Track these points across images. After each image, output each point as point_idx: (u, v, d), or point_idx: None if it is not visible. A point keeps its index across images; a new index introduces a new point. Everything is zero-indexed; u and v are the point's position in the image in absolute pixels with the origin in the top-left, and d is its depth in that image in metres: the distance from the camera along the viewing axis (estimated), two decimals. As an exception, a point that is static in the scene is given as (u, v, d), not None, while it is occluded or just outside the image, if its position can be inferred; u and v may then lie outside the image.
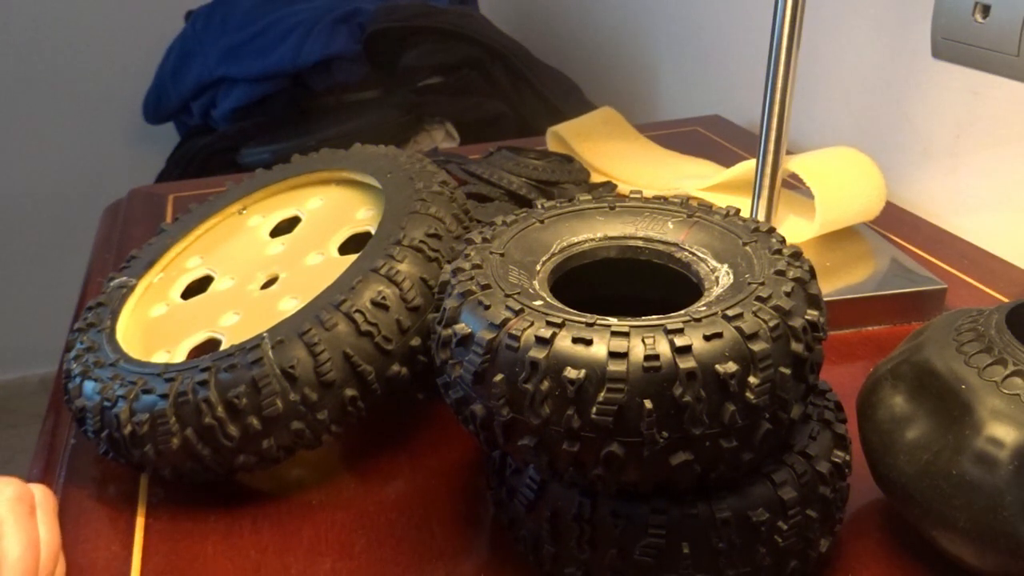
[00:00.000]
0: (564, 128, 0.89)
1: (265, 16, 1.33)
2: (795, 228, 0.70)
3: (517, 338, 0.35)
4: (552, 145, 0.90)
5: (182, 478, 0.48)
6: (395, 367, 0.47)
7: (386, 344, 0.47)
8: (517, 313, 0.36)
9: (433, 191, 0.54)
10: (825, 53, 0.92)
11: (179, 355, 0.52)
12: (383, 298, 0.47)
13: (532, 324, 0.35)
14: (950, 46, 0.74)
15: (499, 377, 0.35)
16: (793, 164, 0.68)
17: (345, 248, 0.56)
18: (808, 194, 0.69)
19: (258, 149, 1.26)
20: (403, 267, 0.48)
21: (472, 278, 0.39)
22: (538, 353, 0.34)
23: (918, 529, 0.41)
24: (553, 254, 0.43)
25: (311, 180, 0.63)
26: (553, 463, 0.36)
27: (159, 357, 0.52)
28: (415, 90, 1.30)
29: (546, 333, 0.35)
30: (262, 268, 0.56)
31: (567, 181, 0.75)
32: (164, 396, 0.45)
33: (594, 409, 0.34)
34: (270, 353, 0.45)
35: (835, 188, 0.68)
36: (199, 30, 1.43)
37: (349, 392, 0.46)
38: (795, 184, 0.72)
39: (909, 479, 0.39)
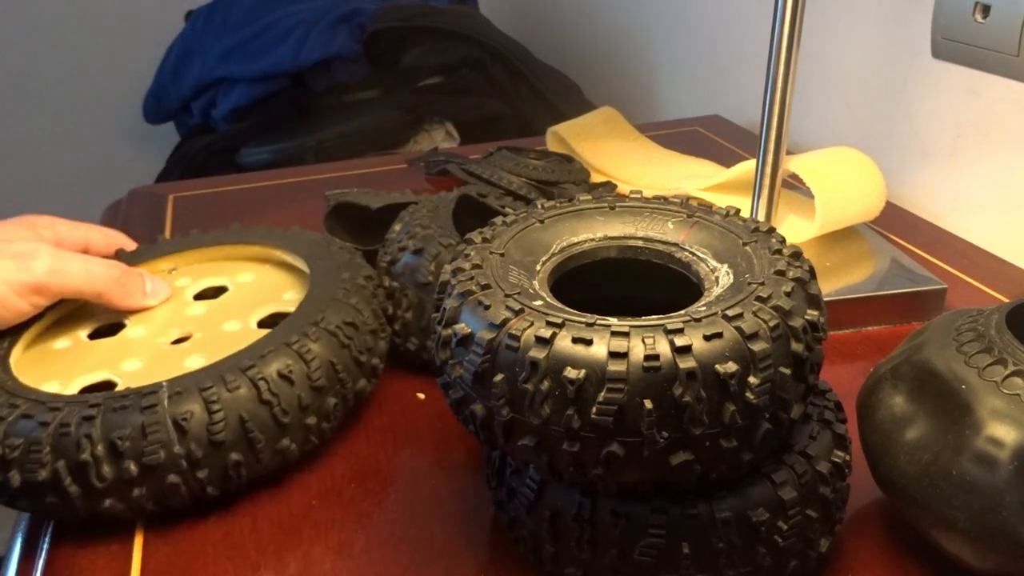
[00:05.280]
0: (564, 128, 0.89)
1: (265, 16, 1.33)
2: (795, 228, 0.70)
3: (517, 338, 0.35)
4: (552, 145, 0.90)
5: (35, 513, 0.47)
6: (285, 441, 0.48)
7: (283, 416, 0.47)
8: (517, 313, 0.36)
9: (358, 283, 0.55)
10: (825, 53, 0.92)
11: (71, 390, 0.51)
12: (290, 371, 0.47)
13: (532, 324, 0.35)
14: (950, 46, 0.74)
15: (499, 377, 0.35)
16: (793, 164, 0.68)
17: (264, 323, 0.56)
18: (808, 194, 0.69)
19: (258, 149, 1.26)
20: (315, 347, 0.49)
21: (472, 278, 0.39)
22: (538, 353, 0.34)
23: (918, 529, 0.41)
24: (553, 254, 0.43)
25: (247, 254, 0.64)
26: (553, 463, 0.36)
27: (50, 387, 0.51)
28: (415, 90, 1.30)
29: (546, 333, 0.35)
30: (177, 325, 0.56)
31: (567, 181, 0.76)
32: (44, 424, 0.44)
33: (594, 409, 0.34)
34: (165, 402, 0.45)
35: (835, 188, 0.68)
36: (199, 30, 1.43)
37: (235, 456, 0.46)
38: (795, 184, 0.72)
39: (909, 479, 0.39)
